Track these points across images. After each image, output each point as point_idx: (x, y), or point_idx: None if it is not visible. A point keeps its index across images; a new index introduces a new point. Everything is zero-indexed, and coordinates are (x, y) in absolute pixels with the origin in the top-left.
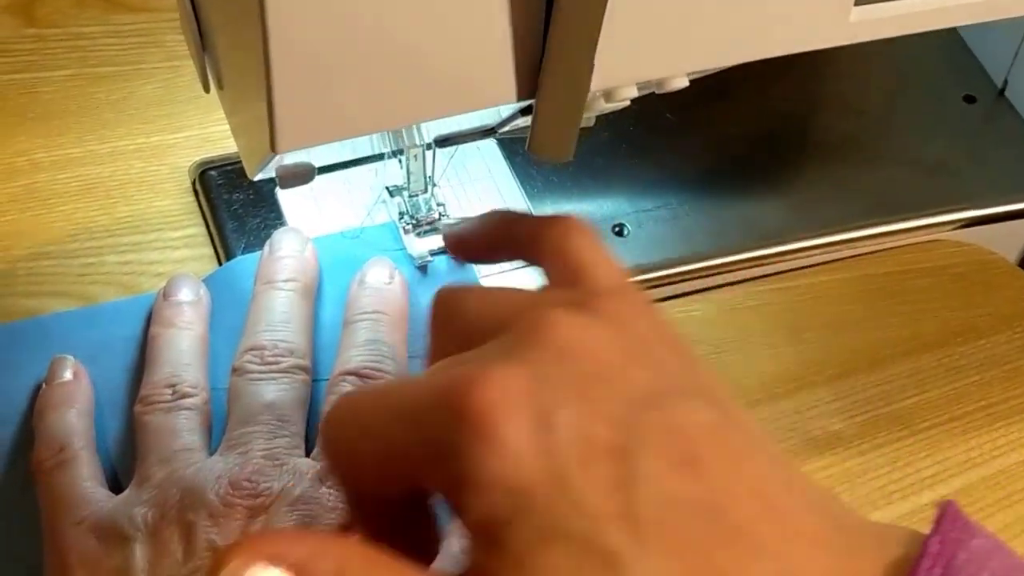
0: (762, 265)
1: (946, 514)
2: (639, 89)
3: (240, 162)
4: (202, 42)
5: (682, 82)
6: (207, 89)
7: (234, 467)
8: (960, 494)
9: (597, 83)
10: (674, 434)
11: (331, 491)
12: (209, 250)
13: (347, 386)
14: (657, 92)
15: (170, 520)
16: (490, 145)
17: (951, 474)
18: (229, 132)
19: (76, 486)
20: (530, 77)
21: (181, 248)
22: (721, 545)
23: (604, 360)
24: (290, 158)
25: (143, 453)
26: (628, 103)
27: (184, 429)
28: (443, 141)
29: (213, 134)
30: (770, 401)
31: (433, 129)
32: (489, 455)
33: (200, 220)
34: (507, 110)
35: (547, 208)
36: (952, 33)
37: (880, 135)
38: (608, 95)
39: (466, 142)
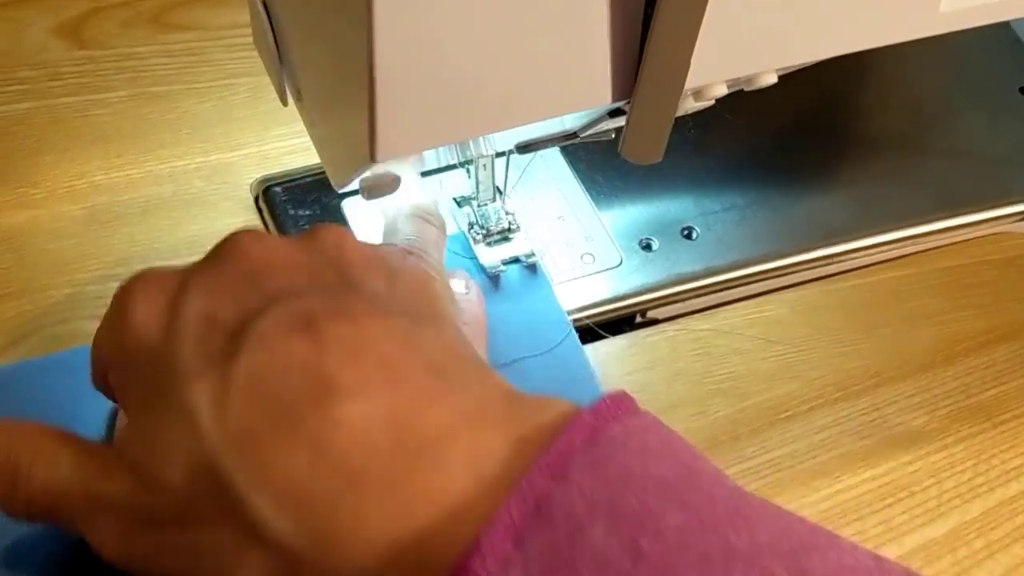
0: (832, 263)
1: (611, 396)
2: (728, 87)
3: (303, 178)
4: (279, 56)
5: (771, 78)
6: (285, 103)
7: None
8: None
9: (690, 82)
10: (297, 314)
11: None
12: None
13: None
14: (746, 89)
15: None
16: (554, 153)
17: None
18: (288, 148)
19: None
20: (626, 79)
21: None
22: (310, 401)
23: (264, 266)
24: (376, 169)
25: None
26: (713, 102)
27: None
28: (524, 147)
29: (272, 151)
30: (850, 398)
31: (502, 138)
32: (116, 328)
33: None
34: (591, 114)
35: (615, 213)
36: (1004, 27)
37: (937, 129)
38: (698, 94)
39: (548, 147)
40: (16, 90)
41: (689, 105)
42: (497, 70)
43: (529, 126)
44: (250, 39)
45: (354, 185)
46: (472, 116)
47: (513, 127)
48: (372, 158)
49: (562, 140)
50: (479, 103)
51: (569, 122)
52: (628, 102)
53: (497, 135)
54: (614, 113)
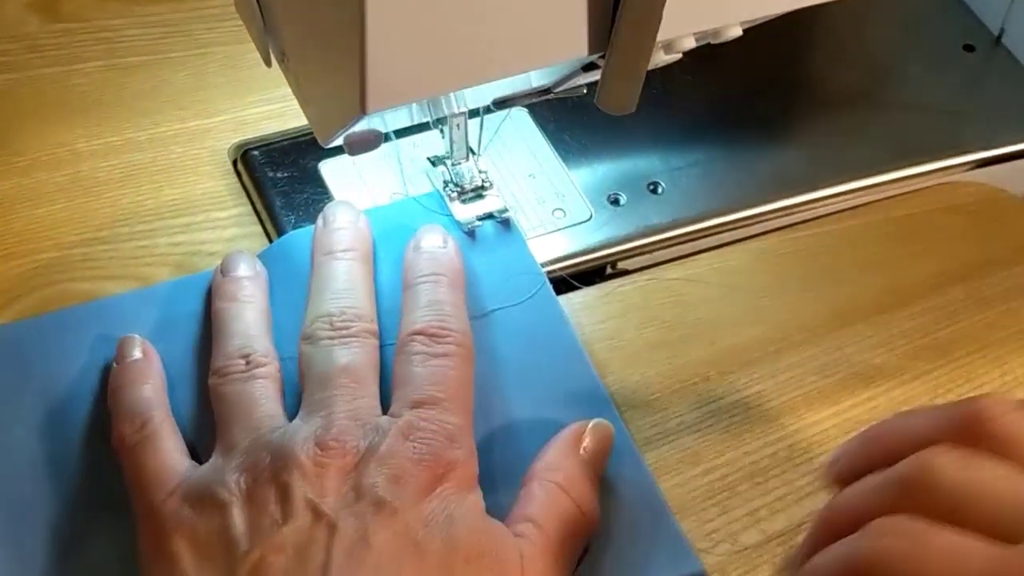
0: (791, 213)
1: None
2: (696, 40)
3: (280, 141)
4: (263, 18)
5: (736, 31)
6: (268, 64)
7: (319, 429)
8: None
9: (661, 35)
10: None
11: (415, 444)
12: (258, 228)
13: (417, 345)
14: (712, 42)
15: (264, 482)
16: (522, 114)
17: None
18: (264, 114)
19: (163, 459)
20: (601, 32)
21: (231, 227)
22: None
23: None
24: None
25: (225, 422)
26: (681, 55)
27: (262, 397)
28: (501, 103)
29: (247, 117)
30: (813, 341)
31: (478, 95)
32: None
33: (245, 199)
34: (565, 70)
35: (583, 170)
36: None
37: (888, 85)
38: (668, 47)
39: (524, 103)
40: None
41: (659, 58)
42: (483, 23)
43: (505, 82)
44: (222, 10)
45: (338, 142)
46: (458, 67)
47: (497, 78)
48: (363, 110)
49: (536, 96)
50: (465, 55)
51: (543, 78)
52: (603, 55)
53: (473, 93)
54: (588, 67)
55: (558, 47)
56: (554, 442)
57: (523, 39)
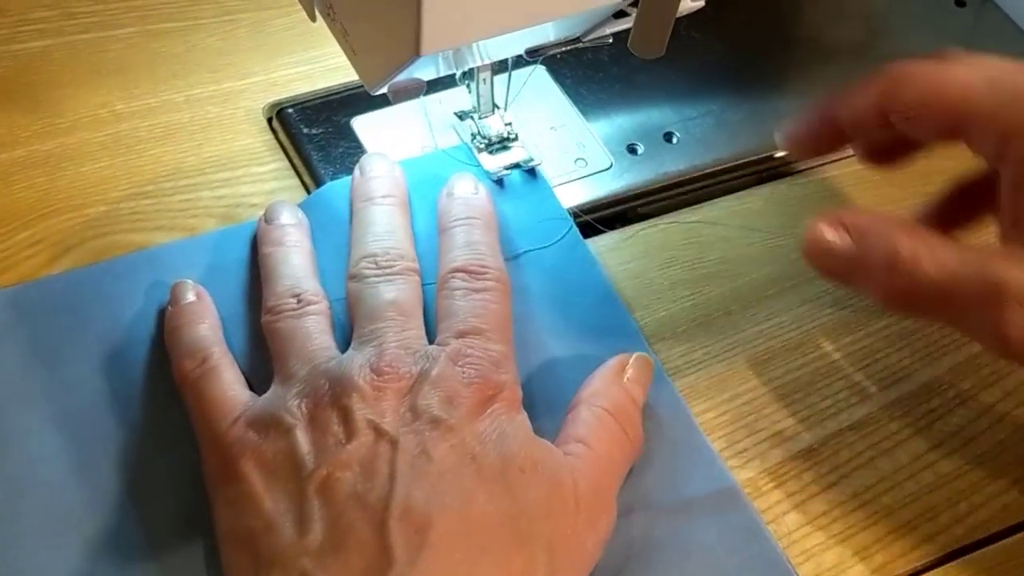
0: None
1: None
2: None
3: (312, 100)
4: None
5: None
6: (313, 19)
7: (373, 357)
8: None
9: None
10: None
11: (464, 369)
12: (295, 181)
13: (458, 281)
14: None
15: (325, 406)
16: (540, 71)
17: None
18: (294, 76)
19: (225, 390)
20: None
21: (270, 181)
22: None
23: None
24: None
25: (282, 356)
26: (703, 3)
27: (315, 331)
28: (533, 52)
29: (279, 78)
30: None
31: (509, 46)
32: None
33: (282, 155)
34: (594, 19)
35: (601, 122)
36: None
37: (883, 39)
38: None
39: (554, 51)
40: (34, 29)
41: (686, 5)
42: None
43: (536, 32)
44: None
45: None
46: (507, 10)
47: (544, 21)
48: (417, 52)
49: (565, 45)
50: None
51: (573, 28)
52: (633, 3)
53: (505, 43)
54: (618, 15)
55: None
56: (599, 372)
57: None
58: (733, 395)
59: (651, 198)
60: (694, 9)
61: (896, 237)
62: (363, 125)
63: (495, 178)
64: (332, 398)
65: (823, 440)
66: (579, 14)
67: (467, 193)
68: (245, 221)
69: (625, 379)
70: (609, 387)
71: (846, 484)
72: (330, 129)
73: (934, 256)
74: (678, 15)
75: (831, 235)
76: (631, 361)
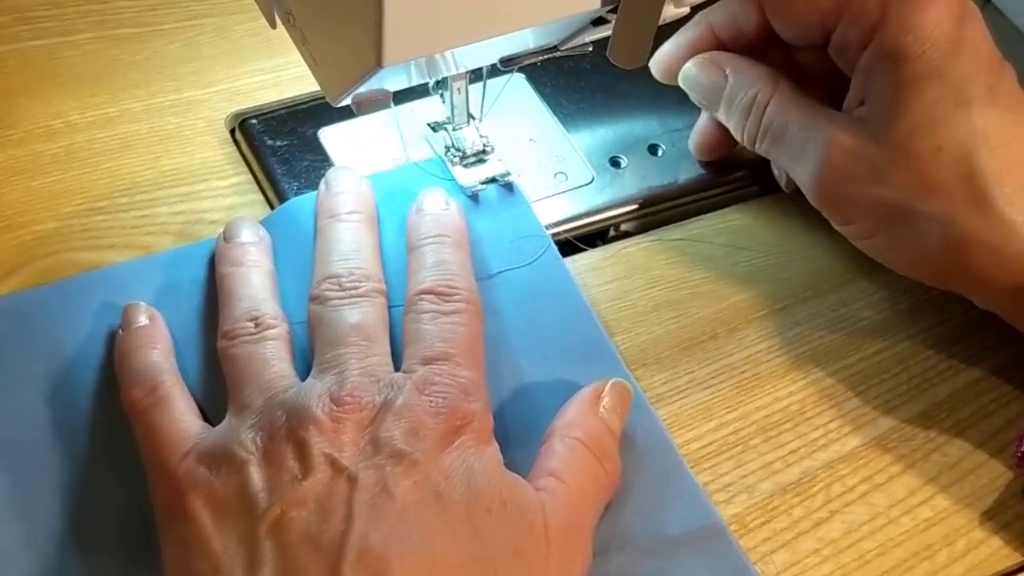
0: None
1: None
2: None
3: (277, 110)
4: None
5: None
6: (273, 26)
7: (333, 385)
8: (1008, 368)
9: None
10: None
11: (430, 398)
12: (258, 196)
13: (426, 304)
14: None
15: (280, 440)
16: (519, 80)
17: (997, 349)
18: (259, 84)
19: (175, 421)
20: None
21: (231, 196)
22: None
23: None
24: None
25: (237, 384)
26: (688, 10)
27: (274, 357)
28: (508, 61)
29: (242, 87)
30: (817, 297)
31: (483, 54)
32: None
33: (244, 168)
34: (573, 26)
35: (582, 134)
36: None
37: None
38: (677, 0)
39: (530, 61)
40: None
41: (669, 12)
42: None
43: (511, 40)
44: None
45: (346, 102)
46: (474, 19)
47: (513, 30)
48: (378, 62)
49: (542, 53)
50: (481, 6)
51: (550, 35)
52: (613, 9)
53: (479, 51)
54: (597, 22)
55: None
56: (574, 401)
57: None
58: (719, 424)
59: (634, 214)
60: (679, 16)
61: (760, 82)
62: (331, 137)
63: (470, 193)
64: (288, 431)
65: (813, 473)
66: (555, 21)
67: (437, 209)
68: (204, 239)
69: (601, 408)
70: (584, 417)
71: (838, 520)
72: (295, 141)
73: (782, 104)
74: (661, 22)
75: (714, 71)
76: (607, 388)
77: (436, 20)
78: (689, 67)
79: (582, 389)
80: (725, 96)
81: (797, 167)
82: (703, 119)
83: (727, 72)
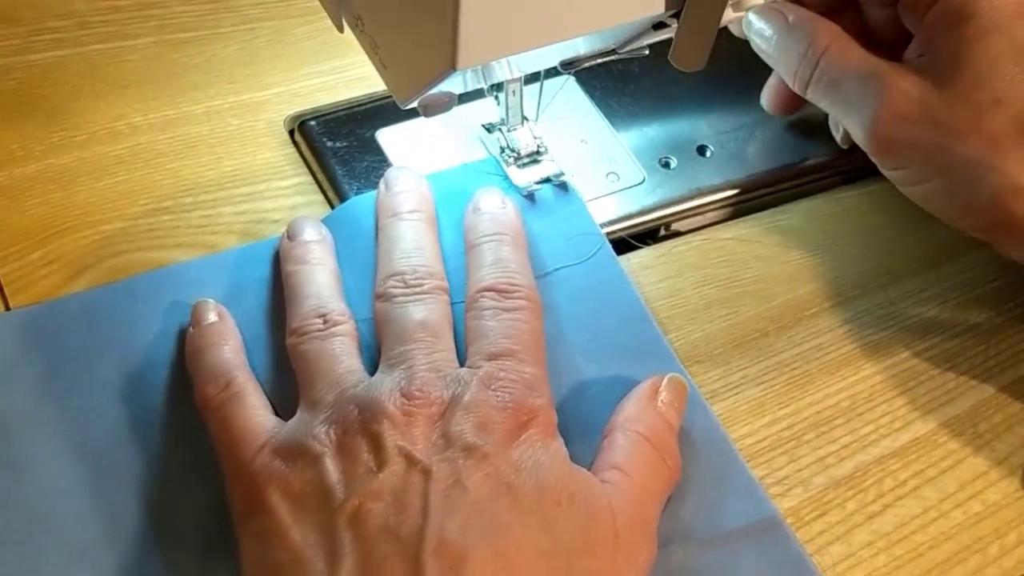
0: (840, 174)
1: None
2: None
3: (335, 112)
4: None
5: None
6: (341, 30)
7: (402, 381)
8: None
9: None
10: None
11: (497, 393)
12: (319, 196)
13: (488, 301)
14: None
15: (354, 433)
16: (570, 83)
17: None
18: (316, 87)
19: (250, 416)
20: None
21: (293, 196)
22: None
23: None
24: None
25: (308, 380)
26: (745, 14)
27: (343, 353)
28: (568, 64)
29: (300, 89)
30: (865, 295)
31: (539, 60)
32: None
33: (304, 169)
34: (633, 30)
35: (632, 135)
36: None
37: None
38: (736, 4)
39: (590, 63)
40: (49, 39)
41: (728, 16)
42: None
43: (571, 44)
44: None
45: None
46: (545, 23)
47: (581, 34)
48: (453, 66)
49: (602, 56)
50: (552, 11)
51: (610, 39)
52: (675, 13)
53: (538, 56)
54: (657, 26)
55: (640, 4)
56: (632, 396)
57: None
58: (772, 420)
59: (684, 214)
60: (735, 19)
61: (819, 31)
62: (388, 138)
63: (525, 193)
64: (361, 424)
65: (866, 467)
66: (618, 26)
67: (494, 208)
68: (267, 238)
69: (659, 402)
70: (644, 412)
71: (891, 514)
72: (354, 142)
73: (841, 53)
74: (722, 25)
75: (776, 16)
76: (664, 383)
77: (508, 25)
78: (750, 14)
79: (639, 384)
80: (780, 41)
81: (852, 112)
82: (775, 76)
83: (788, 19)
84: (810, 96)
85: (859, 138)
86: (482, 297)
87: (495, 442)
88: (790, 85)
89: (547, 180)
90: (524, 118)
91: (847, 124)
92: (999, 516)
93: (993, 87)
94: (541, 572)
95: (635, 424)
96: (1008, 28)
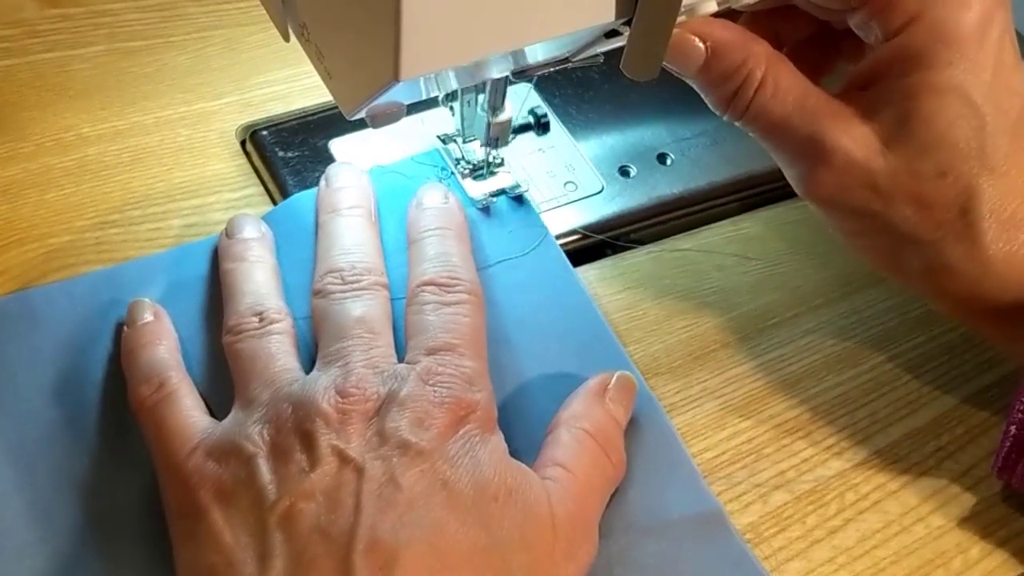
0: None
1: None
2: (718, 5)
3: (287, 122)
4: None
5: None
6: (287, 39)
7: (338, 378)
8: (1018, 375)
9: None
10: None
11: (435, 388)
12: (270, 207)
13: (428, 295)
14: (734, 7)
15: (288, 432)
16: (526, 90)
17: (1006, 356)
18: (269, 96)
19: (183, 417)
20: None
21: (243, 207)
22: None
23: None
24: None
25: (243, 378)
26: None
27: (279, 352)
28: (520, 73)
29: (252, 99)
30: (828, 305)
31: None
32: None
33: (256, 180)
34: (585, 38)
35: (591, 143)
36: None
37: None
38: (690, 11)
39: (542, 72)
40: None
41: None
42: None
43: (523, 52)
44: None
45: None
46: (491, 32)
47: (529, 43)
48: (395, 77)
49: (555, 65)
50: (498, 20)
51: (562, 47)
52: (626, 21)
53: (490, 64)
54: (610, 34)
55: (588, 12)
56: (579, 392)
57: (555, 3)
58: (732, 433)
59: (643, 224)
60: None
61: (751, 62)
62: (342, 148)
63: (480, 206)
64: (295, 423)
65: (827, 481)
66: (569, 34)
67: (437, 203)
68: (206, 236)
69: (607, 399)
70: (590, 408)
71: (852, 528)
72: (307, 152)
73: (777, 91)
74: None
75: (690, 45)
76: (613, 380)
77: (453, 35)
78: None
79: (587, 381)
80: (702, 70)
81: (788, 163)
82: None
83: (707, 46)
84: (743, 128)
85: (795, 187)
86: (423, 291)
87: (431, 437)
88: (717, 113)
89: (503, 192)
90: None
91: (783, 170)
92: (962, 530)
93: (940, 158)
94: (477, 568)
95: (580, 421)
96: (967, 89)
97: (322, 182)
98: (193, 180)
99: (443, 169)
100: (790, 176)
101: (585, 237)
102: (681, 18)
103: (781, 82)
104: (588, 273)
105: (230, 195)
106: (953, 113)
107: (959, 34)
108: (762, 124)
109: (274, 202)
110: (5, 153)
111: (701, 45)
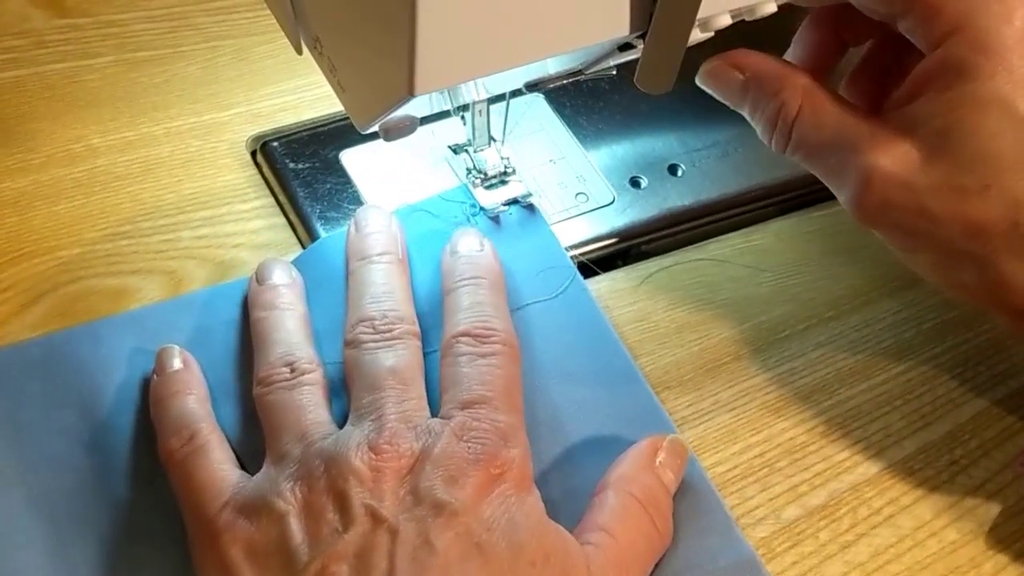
0: (813, 193)
1: None
2: (732, 17)
3: (298, 132)
4: (293, 6)
5: (771, 7)
6: (300, 52)
7: (371, 433)
8: None
9: (699, 13)
10: None
11: (469, 444)
12: (281, 219)
13: (463, 347)
14: (747, 19)
15: (320, 491)
16: (539, 101)
17: (1020, 368)
18: (279, 106)
19: (213, 471)
20: (642, 11)
21: (254, 219)
22: None
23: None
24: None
25: (274, 431)
26: (713, 34)
27: (310, 404)
28: (533, 85)
29: (262, 109)
30: (840, 317)
31: (507, 80)
32: None
33: (266, 191)
34: (598, 51)
35: (602, 154)
36: None
37: None
38: (704, 25)
39: (555, 84)
40: (5, 59)
41: (695, 36)
42: (530, 2)
43: (536, 65)
44: (230, 2)
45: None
46: (505, 48)
47: (542, 58)
48: (410, 92)
49: (567, 77)
50: (512, 35)
51: (575, 60)
52: (640, 35)
53: (503, 77)
54: (623, 47)
55: (602, 26)
56: (629, 454)
57: (569, 18)
58: (744, 447)
59: (655, 235)
60: (702, 40)
61: (786, 93)
62: (352, 159)
63: (491, 215)
64: (327, 481)
65: (840, 496)
66: (581, 48)
67: (472, 251)
68: (235, 278)
69: (657, 463)
70: (639, 472)
71: (864, 543)
72: (317, 163)
73: (815, 119)
74: (689, 45)
75: (729, 76)
76: (664, 444)
77: (467, 50)
78: (699, 78)
79: (638, 443)
80: (743, 104)
81: (835, 184)
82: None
83: (746, 76)
84: (791, 159)
85: (848, 212)
86: (457, 343)
87: (466, 497)
88: (767, 144)
89: (514, 201)
90: (491, 138)
91: (833, 191)
92: (975, 544)
93: (983, 172)
94: None
95: (629, 484)
96: (1011, 101)
97: (351, 226)
98: (203, 191)
99: (472, 206)
100: (842, 202)
101: (596, 248)
102: (695, 34)
103: (819, 111)
104: (600, 284)
105: (241, 206)
106: (995, 125)
107: (1002, 45)
108: (804, 153)
109: (284, 213)
110: (15, 165)
111: (740, 76)
